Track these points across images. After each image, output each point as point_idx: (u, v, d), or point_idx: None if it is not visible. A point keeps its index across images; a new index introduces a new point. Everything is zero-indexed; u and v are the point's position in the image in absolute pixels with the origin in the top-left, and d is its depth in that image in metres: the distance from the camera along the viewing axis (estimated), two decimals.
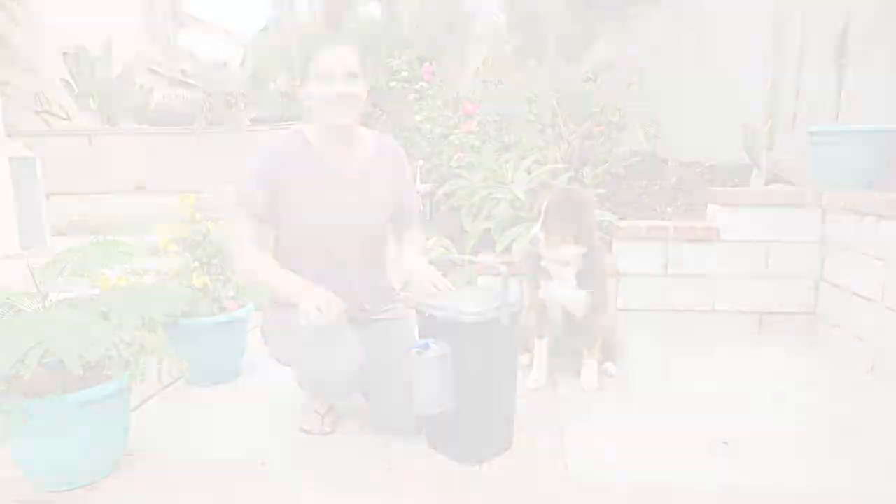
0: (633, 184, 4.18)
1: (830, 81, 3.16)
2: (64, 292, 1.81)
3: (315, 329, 1.73)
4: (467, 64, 5.57)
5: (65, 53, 13.69)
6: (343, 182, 1.93)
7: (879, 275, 2.40)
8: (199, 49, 16.18)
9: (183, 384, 2.46)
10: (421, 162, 4.47)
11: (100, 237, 1.94)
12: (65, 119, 14.69)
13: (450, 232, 3.57)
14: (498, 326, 1.70)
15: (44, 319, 1.59)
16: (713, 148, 4.45)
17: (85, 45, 13.69)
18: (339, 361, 1.80)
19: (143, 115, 14.27)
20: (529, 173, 3.32)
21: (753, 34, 3.93)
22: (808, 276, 2.90)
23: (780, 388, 2.32)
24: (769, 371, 2.50)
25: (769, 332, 2.97)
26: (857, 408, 2.14)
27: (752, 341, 2.89)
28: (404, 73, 6.40)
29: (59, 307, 1.74)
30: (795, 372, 2.49)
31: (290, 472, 1.77)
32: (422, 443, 1.87)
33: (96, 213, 12.72)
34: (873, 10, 2.74)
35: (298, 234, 1.94)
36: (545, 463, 1.79)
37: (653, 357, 2.64)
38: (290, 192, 1.88)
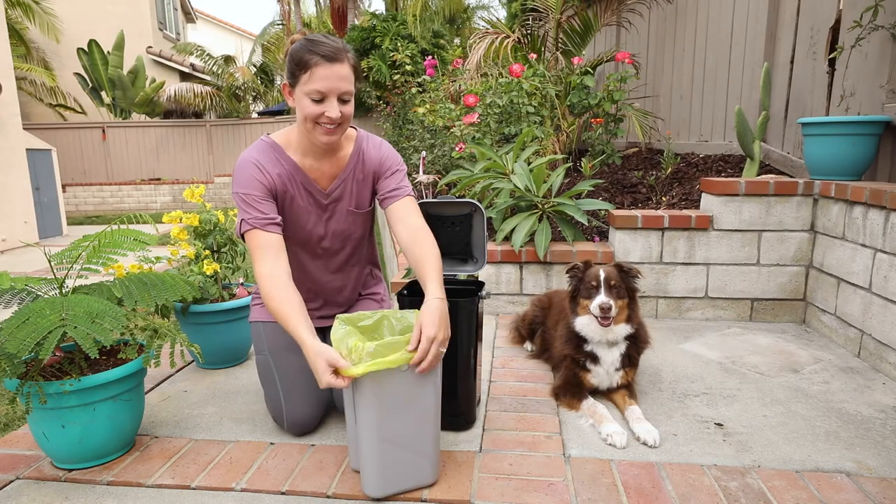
0: (629, 174, 4.24)
1: (822, 73, 3.20)
2: (80, 278, 1.89)
3: (291, 383, 1.91)
4: (468, 57, 5.63)
5: (79, 49, 13.88)
6: (324, 195, 1.89)
7: (867, 262, 2.46)
8: (209, 44, 16.28)
9: (194, 367, 2.58)
10: (423, 153, 4.55)
11: (113, 226, 2.01)
12: (79, 112, 14.94)
13: None
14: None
15: (61, 305, 1.65)
16: (707, 139, 4.50)
17: (98, 40, 13.87)
18: (301, 416, 1.91)
19: (155, 108, 14.47)
20: (529, 164, 3.39)
21: (747, 26, 3.96)
22: (798, 263, 2.96)
23: (772, 371, 2.40)
24: (761, 356, 2.57)
25: (761, 318, 3.05)
26: (845, 391, 2.21)
27: (744, 327, 2.96)
28: (407, 67, 6.49)
29: (76, 293, 1.81)
30: (786, 356, 2.56)
31: (298, 453, 1.86)
32: None
33: (110, 203, 12.95)
34: (865, 2, 2.77)
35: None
36: (543, 443, 1.86)
37: None
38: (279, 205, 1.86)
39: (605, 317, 1.99)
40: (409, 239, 1.78)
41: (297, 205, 1.87)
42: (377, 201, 1.98)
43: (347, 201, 1.93)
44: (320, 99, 1.68)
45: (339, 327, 1.59)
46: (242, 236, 1.80)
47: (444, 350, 1.54)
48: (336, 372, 1.46)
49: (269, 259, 1.71)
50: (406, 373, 1.51)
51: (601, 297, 2.00)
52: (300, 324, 1.56)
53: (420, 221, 1.82)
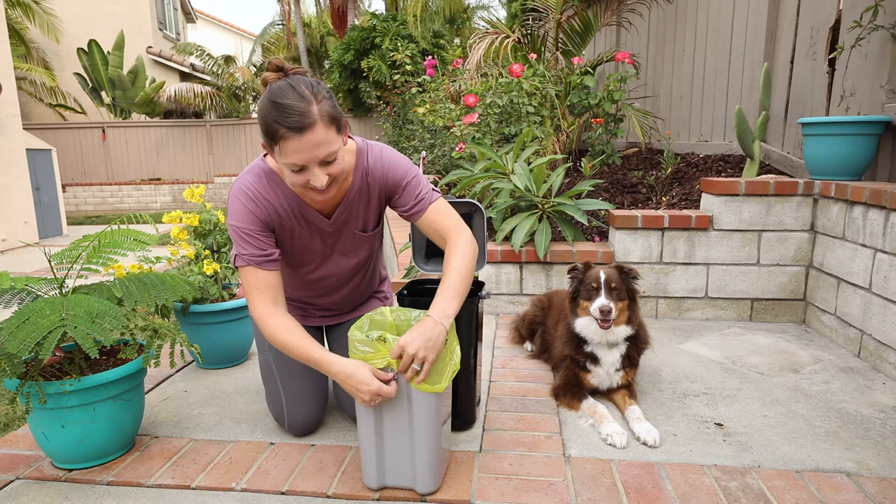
0: (629, 174, 4.24)
1: (822, 73, 3.20)
2: (80, 278, 1.89)
3: (293, 384, 1.90)
4: (468, 57, 5.63)
5: (79, 49, 13.88)
6: (327, 223, 1.78)
7: (867, 262, 2.46)
8: (209, 44, 16.27)
9: (194, 367, 2.58)
10: (423, 153, 4.55)
11: (113, 226, 2.01)
12: (79, 112, 14.94)
13: None
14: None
15: (61, 305, 1.65)
16: (707, 139, 4.50)
17: (98, 40, 13.87)
18: (301, 417, 1.91)
19: (155, 108, 14.47)
20: (529, 164, 3.39)
21: (747, 26, 3.96)
22: (798, 263, 2.96)
23: (772, 371, 2.40)
24: (761, 356, 2.57)
25: (761, 318, 3.04)
26: (845, 391, 2.21)
27: (745, 327, 2.96)
28: (407, 67, 6.51)
29: (76, 293, 1.81)
30: (786, 356, 2.56)
31: (298, 453, 1.86)
32: None
33: (110, 203, 12.95)
34: (865, 2, 2.77)
35: (285, 273, 1.88)
36: (543, 443, 1.87)
37: None
38: (277, 236, 1.78)
39: (605, 319, 1.99)
40: (443, 247, 1.75)
41: (299, 236, 1.78)
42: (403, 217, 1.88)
43: (353, 224, 1.82)
44: (300, 170, 1.51)
45: (357, 332, 1.57)
46: (237, 268, 1.72)
47: (419, 369, 1.49)
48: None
49: (268, 301, 1.67)
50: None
51: (601, 300, 2.00)
52: (313, 348, 1.60)
53: (449, 227, 1.74)
